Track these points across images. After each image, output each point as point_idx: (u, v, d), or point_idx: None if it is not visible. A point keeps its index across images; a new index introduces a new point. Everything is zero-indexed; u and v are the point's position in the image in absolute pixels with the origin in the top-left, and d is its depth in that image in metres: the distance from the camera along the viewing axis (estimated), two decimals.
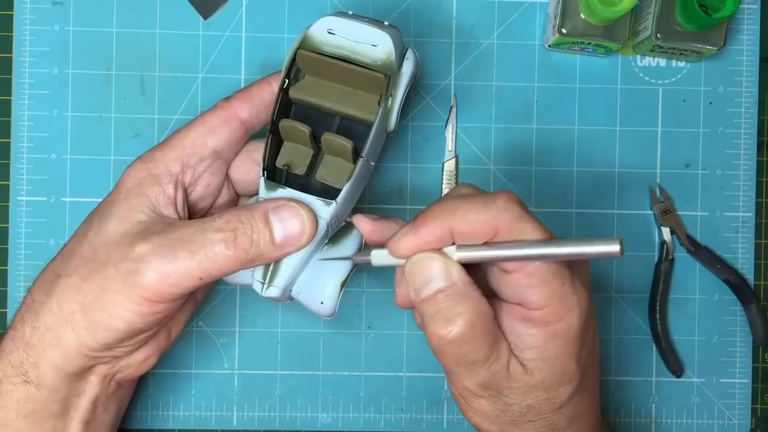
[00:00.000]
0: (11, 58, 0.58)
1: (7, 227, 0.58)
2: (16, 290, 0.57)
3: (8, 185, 0.58)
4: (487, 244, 0.42)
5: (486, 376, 0.43)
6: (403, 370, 0.59)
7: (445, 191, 0.58)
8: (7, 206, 0.58)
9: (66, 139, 0.58)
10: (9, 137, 0.58)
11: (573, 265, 0.43)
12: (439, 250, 0.43)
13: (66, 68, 0.58)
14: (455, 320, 0.42)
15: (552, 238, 0.41)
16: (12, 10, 0.58)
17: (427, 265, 0.43)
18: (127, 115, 0.58)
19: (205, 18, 0.58)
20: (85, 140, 0.58)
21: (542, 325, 0.42)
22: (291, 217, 0.46)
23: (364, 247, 0.49)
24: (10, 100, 0.58)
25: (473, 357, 0.42)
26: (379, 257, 0.45)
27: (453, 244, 0.43)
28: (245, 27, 0.58)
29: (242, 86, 0.57)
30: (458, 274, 0.42)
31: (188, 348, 0.58)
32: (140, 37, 0.58)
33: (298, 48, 0.48)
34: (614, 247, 0.39)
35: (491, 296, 0.44)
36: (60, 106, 0.58)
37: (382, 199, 0.58)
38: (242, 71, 0.58)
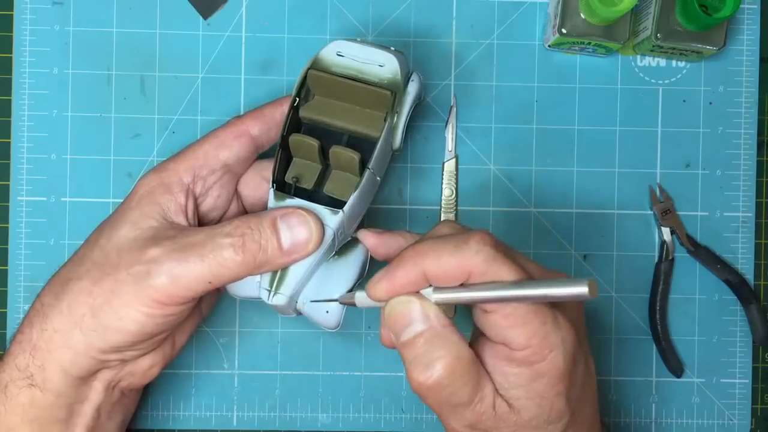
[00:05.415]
0: (11, 58, 0.58)
1: (7, 227, 0.58)
2: (16, 290, 0.57)
3: (8, 185, 0.58)
4: (463, 286, 0.42)
5: (471, 417, 0.43)
6: (403, 370, 0.58)
7: (445, 192, 0.58)
8: (7, 206, 0.58)
9: (66, 139, 0.58)
10: (9, 137, 0.58)
11: (559, 303, 0.42)
12: (417, 293, 0.42)
13: (66, 68, 0.58)
14: (434, 365, 0.41)
15: (526, 279, 0.41)
16: (12, 10, 0.58)
17: (406, 308, 0.42)
18: (127, 115, 0.58)
19: (205, 18, 0.58)
20: (85, 140, 0.58)
21: (526, 364, 0.42)
22: (298, 225, 0.47)
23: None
24: (10, 100, 0.58)
25: (455, 400, 0.42)
26: (362, 299, 0.45)
27: (430, 285, 0.42)
28: (245, 27, 0.58)
29: (242, 86, 0.58)
30: (436, 317, 0.42)
31: (188, 348, 0.58)
32: (140, 37, 0.58)
33: (309, 68, 0.50)
34: (582, 289, 0.38)
35: (478, 335, 0.44)
36: (60, 106, 0.58)
37: (382, 199, 0.58)
38: (242, 71, 0.58)
